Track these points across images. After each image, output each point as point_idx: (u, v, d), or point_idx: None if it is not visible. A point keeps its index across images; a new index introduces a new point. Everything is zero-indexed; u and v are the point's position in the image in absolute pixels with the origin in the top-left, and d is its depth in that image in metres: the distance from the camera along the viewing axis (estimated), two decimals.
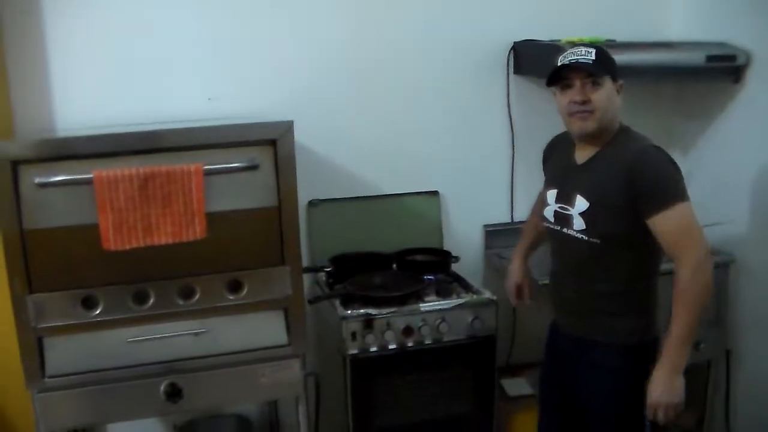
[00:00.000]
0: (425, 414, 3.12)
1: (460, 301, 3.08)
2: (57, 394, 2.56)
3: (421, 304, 3.04)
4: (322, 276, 3.38)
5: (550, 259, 2.75)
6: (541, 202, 2.73)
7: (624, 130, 2.50)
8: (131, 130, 2.59)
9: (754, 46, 3.38)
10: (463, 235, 3.69)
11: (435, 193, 3.64)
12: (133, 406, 2.65)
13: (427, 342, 3.03)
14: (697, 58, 3.38)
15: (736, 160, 3.53)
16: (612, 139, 2.47)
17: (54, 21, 3.05)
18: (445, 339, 3.04)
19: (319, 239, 3.48)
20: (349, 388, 2.97)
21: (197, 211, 2.48)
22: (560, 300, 2.71)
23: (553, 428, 2.86)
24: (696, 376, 3.70)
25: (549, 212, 2.63)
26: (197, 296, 2.60)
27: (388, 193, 3.57)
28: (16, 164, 2.37)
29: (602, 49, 2.45)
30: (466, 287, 3.24)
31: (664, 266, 2.49)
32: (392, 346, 2.99)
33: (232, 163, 2.52)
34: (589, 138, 2.48)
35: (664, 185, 2.34)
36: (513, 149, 3.71)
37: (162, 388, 2.62)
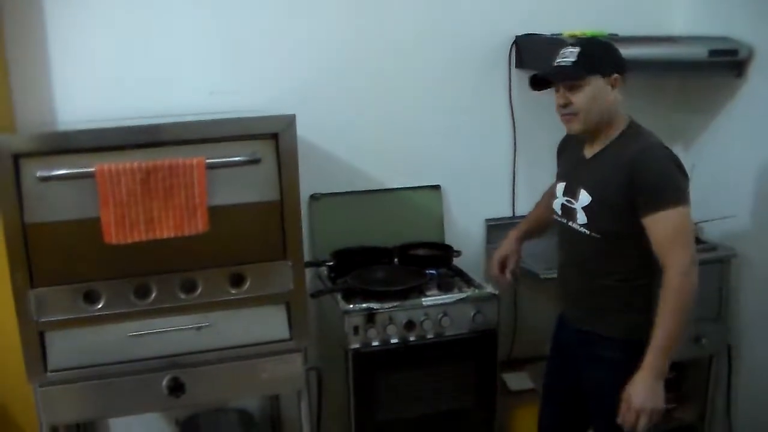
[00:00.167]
0: (427, 408, 3.12)
1: (462, 295, 3.08)
2: (59, 388, 2.55)
3: (423, 299, 3.04)
4: (323, 270, 3.37)
5: (557, 252, 2.76)
6: (551, 194, 2.73)
7: (633, 126, 2.49)
8: (133, 124, 2.59)
9: (756, 40, 3.38)
10: (465, 229, 3.68)
11: (437, 187, 3.64)
12: (135, 400, 2.65)
13: (429, 336, 3.03)
14: (699, 52, 3.37)
15: (738, 154, 3.52)
16: (620, 134, 2.47)
17: (55, 14, 3.04)
18: (447, 333, 3.05)
19: (321, 233, 3.47)
20: (351, 383, 2.97)
21: (199, 205, 2.47)
22: (565, 293, 2.72)
23: (555, 420, 2.87)
24: (697, 370, 3.72)
25: (557, 205, 2.65)
26: (199, 290, 2.60)
27: (389, 187, 3.57)
28: (17, 158, 2.36)
29: (590, 46, 2.49)
30: (468, 281, 3.24)
31: None
32: (394, 341, 2.99)
33: (234, 157, 2.51)
34: (587, 136, 2.52)
35: (662, 186, 2.34)
36: (515, 143, 3.70)
37: (164, 382, 2.62)
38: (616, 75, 2.43)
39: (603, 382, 2.50)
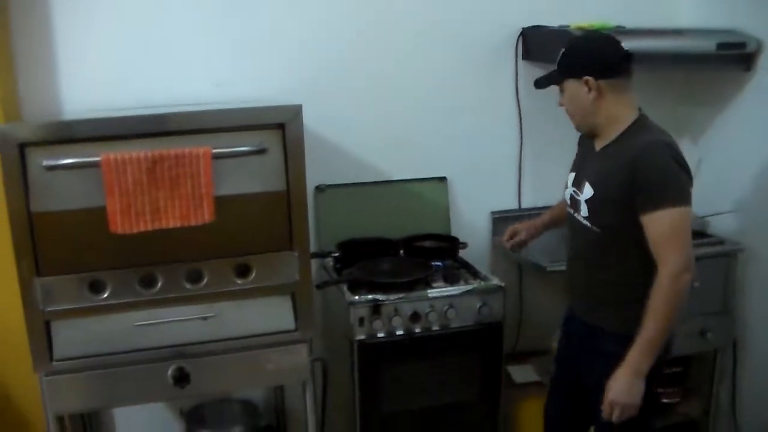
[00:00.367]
0: (432, 400, 3.12)
1: (468, 287, 3.08)
2: (64, 377, 2.55)
3: (428, 291, 3.03)
4: (329, 261, 3.37)
5: (567, 243, 2.77)
6: (565, 186, 2.75)
7: (640, 121, 2.48)
8: (139, 113, 2.59)
9: (765, 33, 3.36)
10: (471, 221, 3.67)
11: (443, 179, 3.63)
12: (140, 390, 2.65)
13: (434, 328, 3.03)
14: (707, 45, 3.35)
15: (745, 148, 3.51)
16: (626, 130, 2.47)
17: (61, 5, 3.03)
18: (453, 325, 3.04)
19: (327, 224, 3.47)
20: (356, 374, 2.97)
21: (205, 195, 2.46)
22: (572, 284, 2.74)
23: (560, 412, 2.88)
24: (702, 365, 3.71)
25: (567, 194, 2.67)
26: (205, 280, 2.59)
27: (395, 178, 3.56)
28: (23, 147, 2.36)
29: (570, 49, 2.54)
30: (474, 274, 3.24)
31: None
32: (400, 332, 2.99)
33: (240, 147, 2.51)
34: (586, 133, 2.60)
35: (662, 185, 2.33)
36: (521, 136, 3.69)
37: (169, 372, 2.61)
38: (587, 77, 2.43)
39: (603, 376, 2.49)
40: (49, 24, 3.05)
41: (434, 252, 3.39)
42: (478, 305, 3.05)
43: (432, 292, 3.03)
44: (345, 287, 3.05)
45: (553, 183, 2.83)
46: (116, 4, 3.09)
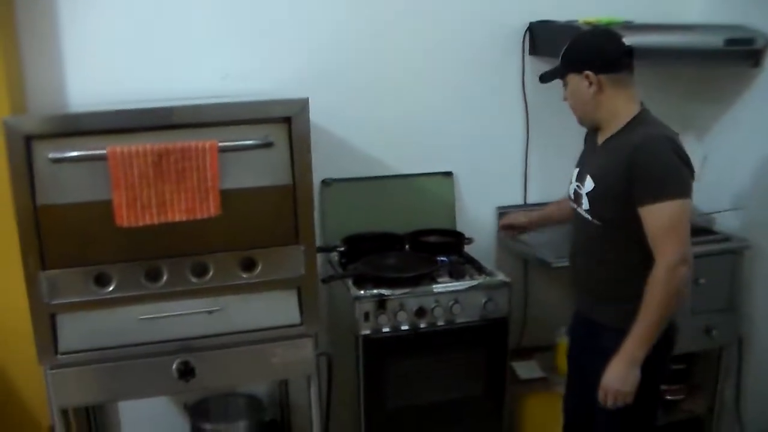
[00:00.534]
0: (436, 395, 3.12)
1: (474, 282, 3.07)
2: (69, 370, 2.55)
3: (434, 286, 3.03)
4: (334, 256, 3.36)
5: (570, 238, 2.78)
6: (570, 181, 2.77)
7: (641, 115, 2.49)
8: (146, 107, 2.58)
9: None
10: (477, 216, 3.66)
11: (449, 174, 3.62)
12: (145, 384, 2.65)
13: (439, 323, 3.02)
14: (715, 41, 3.34)
15: (752, 145, 3.50)
16: (627, 124, 2.47)
17: None
18: (458, 321, 3.03)
19: (332, 219, 3.46)
20: (361, 369, 2.96)
21: (211, 188, 2.46)
22: (575, 279, 2.75)
23: (576, 405, 2.88)
24: (707, 362, 3.70)
25: (571, 189, 2.68)
26: (210, 274, 2.59)
27: (401, 173, 3.55)
28: (29, 140, 2.35)
29: (572, 43, 2.56)
30: (479, 269, 3.23)
31: None
32: (405, 327, 2.98)
33: (246, 141, 2.51)
34: (588, 128, 2.65)
35: (660, 177, 2.33)
36: (527, 131, 3.68)
37: (174, 366, 2.61)
38: (587, 72, 2.45)
39: (602, 372, 2.49)
40: (55, 16, 3.04)
41: (440, 247, 3.38)
42: (483, 301, 3.05)
43: (437, 288, 3.02)
44: (350, 282, 3.05)
45: (560, 178, 2.82)
46: None
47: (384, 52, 3.43)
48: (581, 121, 2.62)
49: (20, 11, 2.98)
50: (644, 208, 2.34)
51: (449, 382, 3.12)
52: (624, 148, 2.41)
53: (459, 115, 3.59)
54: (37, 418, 3.05)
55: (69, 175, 2.40)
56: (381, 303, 2.93)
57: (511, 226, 3.25)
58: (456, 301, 3.01)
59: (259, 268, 2.63)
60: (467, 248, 3.41)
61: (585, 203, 2.55)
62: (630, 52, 2.49)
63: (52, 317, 2.50)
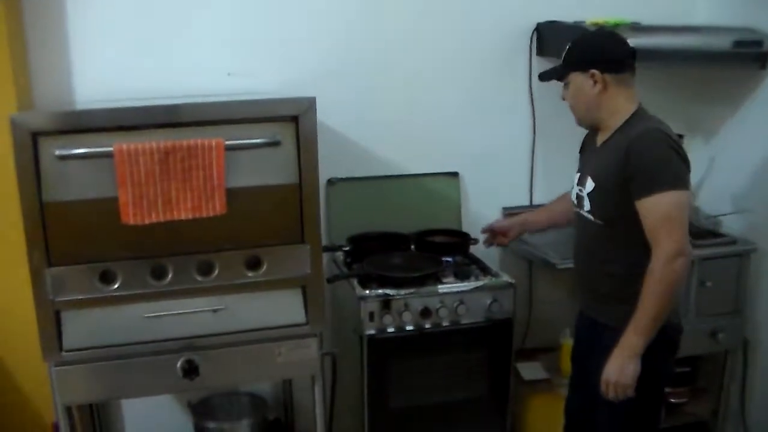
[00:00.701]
0: (440, 396, 3.11)
1: (479, 283, 3.06)
2: (74, 368, 2.54)
3: (439, 286, 3.02)
4: (339, 255, 3.36)
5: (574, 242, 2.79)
6: (562, 198, 2.84)
7: (638, 113, 2.52)
8: (152, 104, 2.57)
9: None
10: (482, 217, 3.63)
11: (455, 174, 3.62)
12: (149, 382, 2.64)
13: (444, 324, 3.01)
14: (723, 43, 3.33)
15: (759, 147, 3.48)
16: (624, 122, 2.50)
17: None
18: (463, 321, 3.03)
19: (338, 218, 3.46)
20: (365, 369, 2.96)
21: (217, 187, 2.45)
22: (578, 281, 2.76)
23: (577, 407, 2.88)
24: (712, 365, 3.69)
25: (573, 195, 2.70)
26: (216, 273, 2.59)
27: (407, 173, 3.55)
28: (36, 136, 2.35)
29: (575, 44, 2.58)
30: (484, 270, 3.22)
31: None
32: (409, 328, 2.97)
33: (253, 139, 2.50)
34: (587, 128, 2.66)
35: (656, 170, 2.35)
36: (534, 132, 3.68)
37: (178, 364, 2.60)
38: (593, 71, 2.47)
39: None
40: (62, 13, 3.04)
41: (445, 247, 3.38)
42: (488, 301, 3.04)
43: (442, 288, 3.02)
44: (355, 281, 3.05)
45: (566, 179, 2.81)
46: None
47: (391, 52, 3.43)
48: (581, 121, 2.63)
49: (28, 8, 2.99)
50: (641, 201, 2.36)
51: (453, 382, 3.11)
52: (621, 144, 2.43)
53: (466, 115, 3.58)
54: (41, 415, 3.06)
55: (75, 172, 2.40)
56: (386, 303, 2.93)
57: (491, 229, 3.24)
58: (461, 302, 3.00)
59: (265, 267, 2.62)
60: (472, 249, 3.40)
61: (587, 204, 2.56)
62: (634, 53, 2.52)
63: (57, 314, 2.49)
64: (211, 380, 2.68)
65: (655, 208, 2.33)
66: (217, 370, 2.65)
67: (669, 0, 3.72)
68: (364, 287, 2.99)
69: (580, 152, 2.84)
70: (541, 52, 3.54)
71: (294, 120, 2.55)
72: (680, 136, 2.49)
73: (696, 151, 3.56)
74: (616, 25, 3.30)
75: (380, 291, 2.95)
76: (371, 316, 2.92)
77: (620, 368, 2.38)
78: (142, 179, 2.39)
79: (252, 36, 3.26)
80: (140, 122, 2.44)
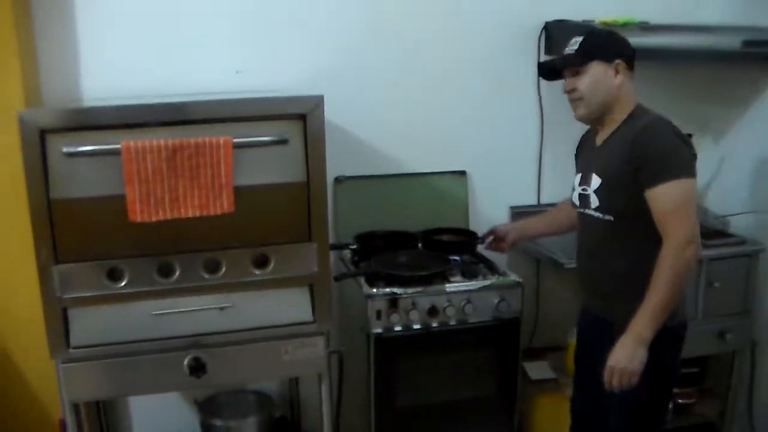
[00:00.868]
0: (447, 395, 3.11)
1: (486, 282, 3.06)
2: (81, 365, 2.54)
3: (446, 285, 3.01)
4: (347, 253, 3.36)
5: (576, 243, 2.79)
6: (561, 208, 2.85)
7: (639, 109, 2.54)
8: (160, 101, 2.57)
9: None
10: (490, 216, 3.64)
11: (462, 173, 3.62)
12: (156, 379, 2.64)
13: (451, 323, 3.01)
14: (732, 42, 3.33)
15: None
16: (627, 118, 2.52)
17: None
18: (470, 320, 3.03)
19: (345, 216, 3.46)
20: (372, 367, 2.96)
21: (225, 185, 2.45)
22: (584, 281, 2.75)
23: (584, 406, 2.88)
24: (720, 366, 3.68)
25: (575, 196, 2.70)
26: (223, 270, 2.58)
27: (415, 171, 3.55)
28: (44, 133, 2.34)
29: (592, 34, 2.60)
30: (492, 269, 3.22)
31: None
32: (417, 326, 2.97)
33: (261, 137, 2.49)
34: (594, 122, 2.60)
35: (664, 159, 2.36)
36: (542, 131, 3.67)
37: (185, 362, 2.60)
38: (618, 61, 2.49)
39: None
40: (71, 11, 3.04)
41: (453, 246, 3.36)
42: (495, 301, 3.04)
43: (450, 287, 3.01)
44: (362, 280, 3.04)
45: (573, 179, 2.81)
46: None
47: (399, 51, 3.43)
48: (589, 114, 2.55)
49: (36, 5, 2.99)
50: (650, 190, 2.36)
51: (460, 381, 3.11)
52: (626, 138, 2.45)
53: (473, 113, 3.58)
54: (48, 411, 3.06)
55: (83, 169, 2.39)
56: (393, 301, 2.93)
57: (493, 232, 3.22)
58: (468, 301, 3.00)
59: (272, 265, 2.62)
60: (480, 248, 3.39)
61: (594, 201, 2.56)
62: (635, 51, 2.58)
63: (65, 311, 2.49)
64: (217, 378, 2.67)
65: (665, 197, 2.34)
66: (224, 367, 2.65)
67: None
68: (372, 286, 2.98)
69: (576, 154, 2.86)
70: (549, 51, 3.53)
71: (302, 118, 2.54)
72: (689, 136, 2.47)
73: (705, 151, 3.54)
74: (625, 24, 3.29)
75: (387, 289, 2.95)
76: (378, 314, 2.92)
77: (628, 354, 2.36)
78: (150, 177, 2.39)
79: (260, 34, 3.26)
80: (148, 119, 2.43)
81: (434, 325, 2.99)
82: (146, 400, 3.34)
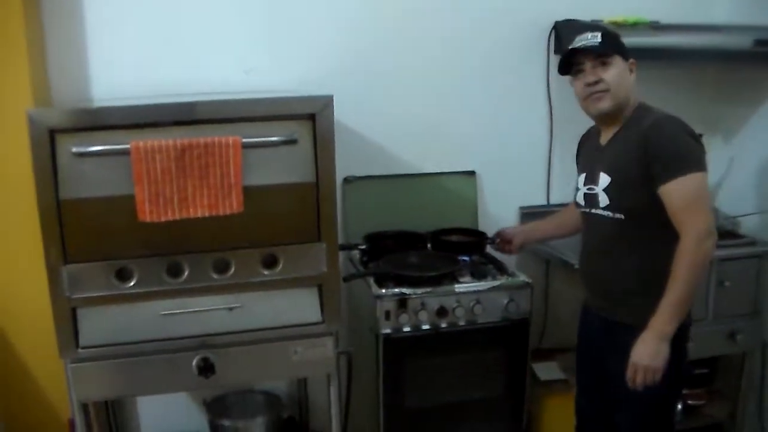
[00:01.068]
0: (456, 395, 3.10)
1: (496, 283, 3.05)
2: (89, 365, 2.54)
3: (456, 285, 3.01)
4: (356, 254, 3.36)
5: (581, 243, 2.79)
6: (575, 190, 2.77)
7: (643, 107, 2.55)
8: (169, 101, 2.56)
9: None
10: (499, 216, 3.64)
11: (472, 173, 3.61)
12: (164, 379, 2.64)
13: (460, 323, 3.00)
14: (743, 41, 3.32)
15: None
16: (631, 116, 2.52)
17: None
18: (479, 321, 3.02)
19: (354, 217, 3.46)
20: (380, 368, 2.95)
21: (234, 185, 2.44)
22: (590, 281, 2.74)
23: (589, 406, 2.87)
24: (730, 367, 3.67)
25: (580, 196, 2.69)
26: (232, 271, 2.58)
27: (424, 171, 3.55)
28: (53, 133, 2.34)
29: (608, 31, 2.56)
30: (501, 269, 3.21)
31: None
32: (426, 327, 2.96)
33: (270, 137, 2.48)
34: (608, 118, 2.56)
35: (676, 154, 2.36)
36: (551, 131, 3.67)
37: (194, 362, 2.60)
38: (632, 60, 2.52)
39: (626, 371, 2.48)
40: (80, 10, 3.05)
41: (462, 246, 3.36)
42: (505, 301, 3.03)
43: (459, 287, 3.00)
44: (372, 280, 3.04)
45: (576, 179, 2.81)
46: None
47: (408, 50, 3.42)
48: (611, 108, 2.50)
49: (46, 5, 2.99)
50: (665, 186, 2.36)
51: (469, 382, 3.10)
52: (634, 135, 2.45)
53: (483, 113, 3.57)
54: (57, 411, 3.07)
55: (92, 169, 2.39)
56: (402, 302, 2.92)
57: (499, 235, 3.23)
58: (477, 302, 2.99)
59: (281, 265, 2.61)
60: (489, 248, 3.38)
61: (603, 200, 2.55)
62: None
63: (73, 311, 2.49)
64: (226, 378, 2.67)
65: (681, 192, 2.34)
66: (232, 368, 2.65)
67: None
68: (381, 286, 2.98)
69: (578, 155, 2.87)
70: (559, 51, 3.52)
71: (311, 118, 2.53)
72: (699, 135, 2.46)
73: (715, 151, 3.54)
74: (635, 24, 3.29)
75: (396, 290, 2.94)
76: (387, 315, 2.91)
77: (651, 352, 2.37)
78: (159, 177, 2.38)
79: (269, 34, 3.26)
80: (157, 119, 2.43)
81: (443, 325, 2.98)
82: (155, 400, 3.34)
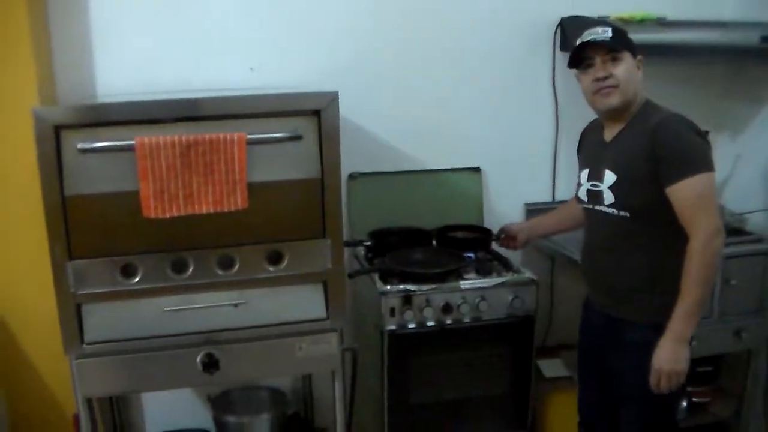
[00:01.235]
0: (461, 392, 3.10)
1: (501, 279, 3.04)
2: (94, 360, 2.54)
3: (461, 282, 3.00)
4: (361, 250, 3.36)
5: (583, 239, 2.79)
6: (577, 185, 2.76)
7: (648, 104, 2.54)
8: (174, 98, 2.57)
9: None
10: (504, 212, 3.64)
11: (477, 169, 3.61)
12: (169, 375, 2.64)
13: (465, 320, 3.00)
14: (750, 38, 3.32)
15: None
16: (637, 113, 2.51)
17: None
18: (484, 318, 3.01)
19: (359, 213, 3.46)
20: (385, 364, 2.95)
21: (239, 181, 2.44)
22: (593, 278, 2.74)
23: (592, 402, 2.87)
24: (735, 365, 3.66)
25: (582, 192, 2.69)
26: (236, 267, 2.57)
27: (429, 168, 3.54)
28: (58, 129, 2.34)
29: (617, 27, 2.53)
30: (507, 266, 3.20)
31: None
32: (431, 323, 2.96)
33: (275, 133, 2.48)
34: (615, 114, 2.54)
35: (684, 153, 2.35)
36: (557, 127, 3.66)
37: (199, 358, 2.60)
38: (640, 57, 2.50)
39: (634, 368, 2.49)
40: (85, 7, 3.04)
41: (467, 243, 3.36)
42: (510, 298, 3.02)
43: (464, 284, 3.00)
44: (377, 277, 3.04)
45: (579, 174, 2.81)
46: None
47: (413, 46, 3.42)
48: (620, 104, 2.48)
49: (51, 3, 2.99)
50: (673, 186, 2.35)
51: (474, 378, 3.10)
52: (640, 133, 2.44)
53: (488, 110, 3.57)
54: (62, 407, 3.08)
55: (97, 165, 2.39)
56: (407, 298, 2.92)
57: (503, 231, 3.25)
58: (483, 298, 2.99)
59: (286, 261, 2.61)
60: (494, 245, 3.38)
61: (608, 197, 2.54)
62: None
63: (78, 307, 2.49)
64: (230, 374, 2.67)
65: (690, 192, 2.33)
66: (237, 364, 2.65)
67: None
68: (386, 282, 2.98)
69: (579, 148, 2.86)
70: (564, 47, 3.51)
71: (316, 114, 2.53)
72: (705, 133, 2.46)
73: (722, 148, 3.54)
74: (642, 20, 3.28)
75: (401, 286, 2.94)
76: (392, 311, 2.91)
77: (672, 356, 2.37)
78: (164, 173, 2.38)
79: (274, 31, 3.26)
80: (162, 116, 2.43)
81: (448, 322, 2.98)
82: (159, 396, 3.35)
